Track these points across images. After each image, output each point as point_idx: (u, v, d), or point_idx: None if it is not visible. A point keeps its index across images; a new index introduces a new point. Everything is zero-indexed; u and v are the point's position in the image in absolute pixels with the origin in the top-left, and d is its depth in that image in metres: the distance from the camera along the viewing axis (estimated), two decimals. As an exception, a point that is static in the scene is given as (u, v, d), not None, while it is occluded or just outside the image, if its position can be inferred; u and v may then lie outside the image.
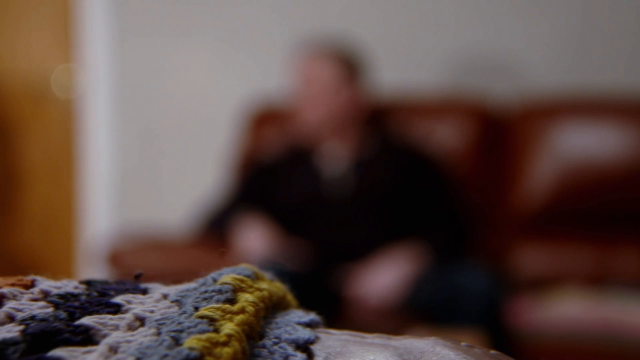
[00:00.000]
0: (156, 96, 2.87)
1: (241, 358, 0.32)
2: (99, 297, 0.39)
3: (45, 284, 0.39)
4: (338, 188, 2.18)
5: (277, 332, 0.37)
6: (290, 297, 0.43)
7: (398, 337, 0.37)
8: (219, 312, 0.35)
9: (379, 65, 2.43)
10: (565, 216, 2.26)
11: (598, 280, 2.15)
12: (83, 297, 0.39)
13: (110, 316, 0.36)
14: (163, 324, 0.35)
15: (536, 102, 2.36)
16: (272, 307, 0.40)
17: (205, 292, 0.37)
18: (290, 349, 0.35)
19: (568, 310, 1.97)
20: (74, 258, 3.06)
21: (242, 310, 0.35)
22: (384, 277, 2.02)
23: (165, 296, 0.38)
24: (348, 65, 2.24)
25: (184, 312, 0.35)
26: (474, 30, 2.60)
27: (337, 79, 2.22)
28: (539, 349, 1.87)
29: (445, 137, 2.35)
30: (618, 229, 2.23)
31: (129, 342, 0.33)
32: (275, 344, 0.36)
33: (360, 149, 2.22)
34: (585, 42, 2.52)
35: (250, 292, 0.38)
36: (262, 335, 0.37)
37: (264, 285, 0.40)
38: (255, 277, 0.40)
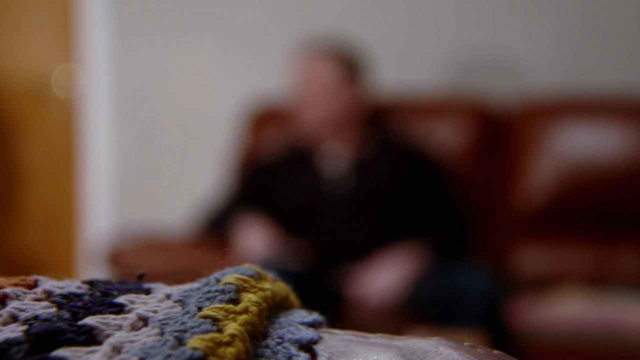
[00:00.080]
0: (156, 96, 2.87)
1: (245, 358, 0.32)
2: (102, 297, 0.39)
3: (48, 284, 0.39)
4: (338, 188, 2.18)
5: (280, 332, 0.37)
6: (293, 297, 0.43)
7: (401, 337, 0.37)
8: (222, 312, 0.35)
9: (379, 65, 2.43)
10: (566, 216, 2.26)
11: (598, 280, 2.15)
12: (86, 297, 0.39)
13: (113, 316, 0.36)
14: (166, 324, 0.35)
15: (536, 102, 2.37)
16: (275, 307, 0.40)
17: (209, 292, 0.37)
18: (293, 349, 0.35)
19: (568, 310, 1.97)
20: (74, 258, 3.06)
21: (245, 311, 0.35)
22: (384, 277, 2.02)
23: (168, 296, 0.38)
24: (348, 65, 2.24)
25: (187, 312, 0.35)
26: (474, 30, 2.60)
27: (338, 79, 2.22)
28: (539, 349, 1.87)
29: (445, 137, 2.35)
30: (618, 228, 2.23)
31: (132, 342, 0.33)
32: (279, 344, 0.36)
33: (361, 149, 2.22)
34: (585, 42, 2.52)
35: (254, 292, 0.38)
36: (265, 335, 0.37)
37: (267, 285, 0.40)
38: (259, 277, 0.40)
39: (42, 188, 3.10)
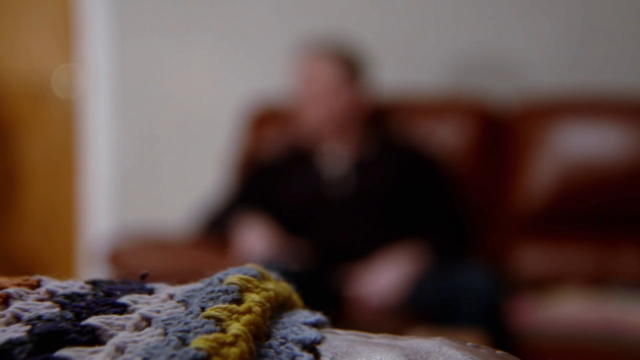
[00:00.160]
0: (156, 96, 2.87)
1: (248, 358, 0.32)
2: (105, 297, 0.39)
3: (51, 284, 0.39)
4: (338, 188, 2.18)
5: (283, 332, 0.37)
6: (296, 297, 0.43)
7: (404, 337, 0.37)
8: (225, 312, 0.35)
9: (379, 66, 2.43)
10: (566, 216, 2.26)
11: (598, 280, 2.15)
12: (89, 297, 0.39)
13: (116, 316, 0.36)
14: (170, 324, 0.35)
15: (536, 102, 2.37)
16: (278, 307, 0.40)
17: (212, 292, 0.37)
18: (297, 349, 0.35)
19: (568, 310, 1.97)
20: (74, 258, 3.05)
21: (248, 311, 0.35)
22: (384, 277, 2.02)
23: (171, 296, 0.38)
24: (349, 65, 2.24)
25: (191, 312, 0.35)
26: (474, 30, 2.60)
27: (338, 79, 2.22)
28: (539, 349, 1.87)
29: (445, 137, 2.35)
30: (618, 228, 2.23)
31: (135, 342, 0.33)
32: (282, 344, 0.36)
33: (361, 149, 2.22)
34: (585, 42, 2.52)
35: (257, 292, 0.38)
36: (268, 336, 0.37)
37: (270, 285, 0.40)
38: (262, 277, 0.40)
39: (42, 188, 3.10)
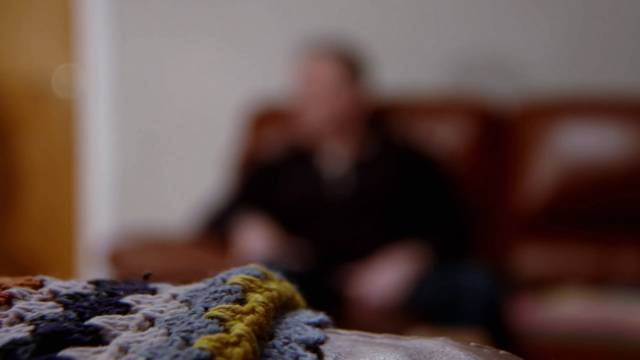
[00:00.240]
0: (157, 96, 2.87)
1: (252, 358, 0.32)
2: (108, 297, 0.39)
3: (54, 284, 0.39)
4: (339, 188, 2.18)
5: (286, 332, 0.37)
6: (298, 297, 0.43)
7: (407, 337, 0.37)
8: (229, 312, 0.35)
9: (379, 66, 2.43)
10: (566, 216, 2.26)
11: (599, 280, 2.15)
12: (92, 297, 0.39)
13: (119, 316, 0.36)
14: (173, 324, 0.35)
15: (537, 102, 2.37)
16: (281, 307, 0.40)
17: (215, 292, 0.37)
18: (300, 349, 0.35)
19: (569, 310, 1.97)
20: (75, 258, 3.05)
21: (252, 311, 0.35)
22: (385, 277, 2.02)
23: (174, 296, 0.38)
24: (350, 65, 2.24)
25: (194, 312, 0.35)
26: (474, 30, 2.60)
27: (339, 79, 2.22)
28: (540, 348, 1.87)
29: (445, 137, 2.35)
30: (619, 229, 2.23)
31: (139, 342, 0.33)
32: (285, 344, 0.36)
33: (361, 149, 2.22)
34: (585, 42, 2.52)
35: (260, 292, 0.38)
36: (271, 336, 0.37)
37: (273, 285, 0.40)
38: (265, 278, 0.40)
39: (42, 188, 3.10)
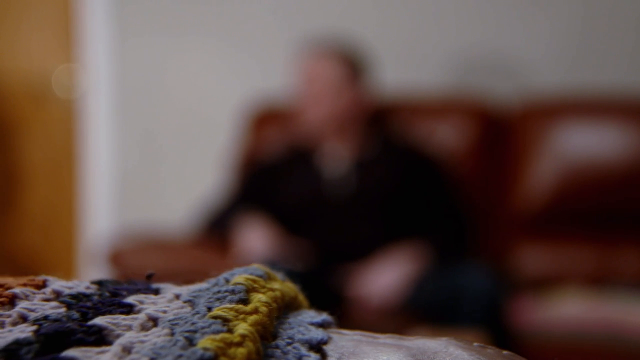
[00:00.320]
0: (157, 96, 2.87)
1: (255, 358, 0.32)
2: (111, 298, 0.39)
3: (57, 284, 0.39)
4: (339, 188, 2.18)
5: (290, 332, 0.37)
6: (301, 297, 0.43)
7: (411, 338, 0.37)
8: (232, 313, 0.35)
9: (380, 65, 2.43)
10: (567, 216, 2.26)
11: (599, 280, 2.15)
12: (95, 298, 0.39)
13: (123, 316, 0.36)
14: (176, 324, 0.35)
15: (537, 102, 2.37)
16: (284, 307, 0.40)
17: (218, 292, 0.37)
18: (303, 350, 0.35)
19: (569, 310, 1.97)
20: (75, 258, 3.05)
21: (255, 311, 0.35)
22: (385, 276, 2.02)
23: (177, 296, 0.38)
24: (351, 65, 2.24)
25: (197, 313, 0.35)
26: (475, 30, 2.60)
27: (340, 79, 2.22)
28: (540, 348, 1.87)
29: (446, 137, 2.35)
30: (619, 229, 2.23)
31: (142, 342, 0.33)
32: (289, 344, 0.36)
33: (362, 149, 2.22)
34: (586, 42, 2.52)
35: (263, 293, 0.38)
36: (275, 336, 0.37)
37: (276, 285, 0.40)
38: (268, 278, 0.40)
39: (42, 188, 3.10)
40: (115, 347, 0.33)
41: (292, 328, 0.37)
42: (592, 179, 2.23)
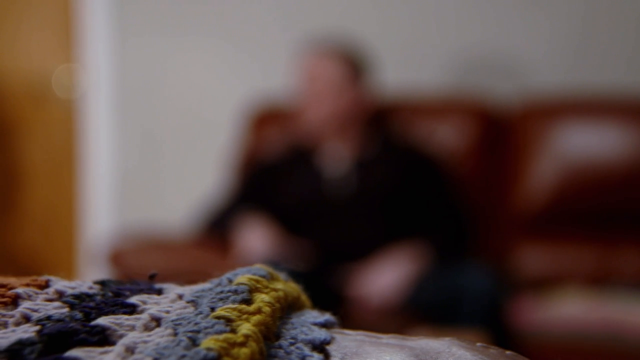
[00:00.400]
0: (157, 96, 2.87)
1: (258, 358, 0.32)
2: (114, 298, 0.39)
3: (59, 284, 0.39)
4: (339, 188, 2.18)
5: (293, 332, 0.37)
6: (304, 297, 0.43)
7: (413, 338, 0.37)
8: (235, 313, 0.35)
9: (381, 65, 2.43)
10: (567, 216, 2.26)
11: (599, 280, 2.15)
12: (98, 298, 0.39)
13: (126, 316, 0.36)
14: (179, 324, 0.35)
15: (538, 102, 2.37)
16: (287, 308, 0.40)
17: (221, 292, 0.37)
18: (306, 350, 0.35)
19: (570, 310, 1.97)
20: (75, 258, 3.05)
21: (258, 311, 0.35)
22: (385, 276, 2.02)
23: (180, 296, 0.38)
24: (353, 65, 2.24)
25: (200, 313, 0.35)
26: (475, 30, 2.60)
27: (341, 78, 2.22)
28: (540, 348, 1.87)
29: (446, 137, 2.35)
30: (619, 229, 2.23)
31: (145, 342, 0.33)
32: (292, 344, 0.36)
33: (362, 149, 2.22)
34: (586, 42, 2.53)
35: (266, 293, 0.38)
36: (278, 336, 0.37)
37: (279, 285, 0.40)
38: (271, 278, 0.40)
39: (42, 188, 3.10)
40: (119, 347, 0.33)
41: (295, 328, 0.37)
42: (592, 179, 2.23)
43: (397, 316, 1.98)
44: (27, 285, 0.39)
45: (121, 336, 0.35)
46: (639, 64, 2.50)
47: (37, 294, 0.38)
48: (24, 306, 0.37)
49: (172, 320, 0.35)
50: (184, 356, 0.31)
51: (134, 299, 0.39)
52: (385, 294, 2.01)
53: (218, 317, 0.34)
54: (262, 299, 0.37)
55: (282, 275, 0.42)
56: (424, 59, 2.62)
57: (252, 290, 0.38)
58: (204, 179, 2.76)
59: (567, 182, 2.24)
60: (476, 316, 1.88)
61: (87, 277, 2.21)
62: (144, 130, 2.89)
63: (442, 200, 2.19)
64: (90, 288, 0.40)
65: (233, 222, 2.19)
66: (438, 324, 1.88)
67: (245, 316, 0.35)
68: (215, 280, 0.39)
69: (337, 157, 2.22)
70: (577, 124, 2.29)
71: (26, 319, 0.36)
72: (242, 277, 0.39)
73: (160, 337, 0.34)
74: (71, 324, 0.35)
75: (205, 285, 0.40)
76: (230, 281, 0.39)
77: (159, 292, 0.40)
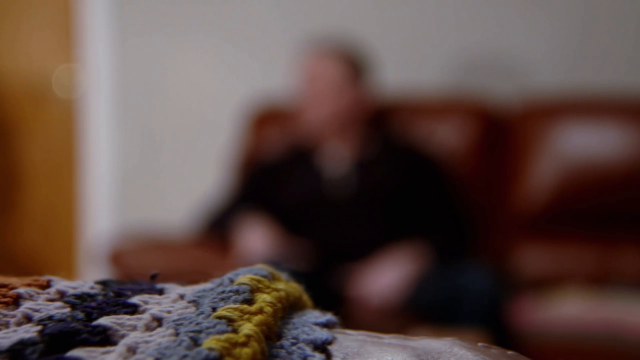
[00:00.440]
0: (157, 96, 2.87)
1: (260, 359, 0.32)
2: (116, 298, 0.39)
3: (61, 284, 0.39)
4: (340, 188, 2.18)
5: (294, 332, 0.37)
6: (306, 297, 0.43)
7: (415, 338, 0.37)
8: (237, 313, 0.35)
9: (381, 65, 2.43)
10: (567, 216, 2.26)
11: (600, 280, 2.15)
12: (100, 298, 0.39)
13: (127, 316, 0.36)
14: (181, 324, 0.35)
15: (538, 101, 2.37)
16: (289, 308, 0.40)
17: (223, 292, 0.37)
18: (308, 350, 0.35)
19: (570, 310, 1.97)
20: (75, 258, 3.05)
21: (260, 311, 0.35)
22: (385, 276, 2.02)
23: (182, 296, 0.38)
24: (353, 65, 2.24)
25: (202, 313, 0.35)
26: (475, 30, 2.60)
27: (342, 78, 2.22)
28: (540, 348, 1.87)
29: (446, 136, 2.35)
30: (620, 229, 2.23)
31: (147, 342, 0.33)
32: (294, 344, 0.36)
33: (362, 149, 2.22)
34: (586, 42, 2.53)
35: (268, 293, 0.38)
36: (279, 336, 0.37)
37: (280, 285, 0.40)
38: (272, 278, 0.40)
39: (42, 188, 3.10)
40: (120, 347, 0.33)
41: (296, 328, 0.37)
42: (592, 179, 2.23)
43: (397, 316, 1.98)
44: (29, 285, 0.39)
45: (123, 336, 0.35)
46: (639, 64, 2.50)
47: (38, 294, 0.38)
48: (26, 306, 0.37)
49: (174, 320, 0.35)
50: (185, 356, 0.31)
51: (135, 299, 0.39)
52: (386, 294, 2.01)
53: (220, 317, 0.34)
54: (263, 299, 0.37)
55: (283, 275, 0.42)
56: (424, 59, 2.62)
57: (254, 290, 0.38)
58: (204, 179, 2.76)
59: (567, 182, 2.24)
60: (476, 316, 1.88)
61: (87, 277, 2.21)
62: (144, 130, 2.89)
63: (442, 200, 2.19)
64: (92, 288, 0.40)
65: (233, 222, 2.19)
66: (438, 324, 1.88)
67: (246, 316, 0.35)
68: (217, 280, 0.39)
69: (337, 157, 2.22)
70: (577, 124, 2.29)
71: (28, 319, 0.36)
72: (244, 277, 0.39)
73: (161, 337, 0.34)
74: (73, 324, 0.35)
75: (207, 285, 0.40)
76: (231, 281, 0.39)
77: (161, 292, 0.40)
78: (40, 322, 0.35)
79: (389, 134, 2.30)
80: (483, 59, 2.59)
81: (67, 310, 0.37)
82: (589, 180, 2.23)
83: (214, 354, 0.31)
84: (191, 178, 2.84)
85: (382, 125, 2.36)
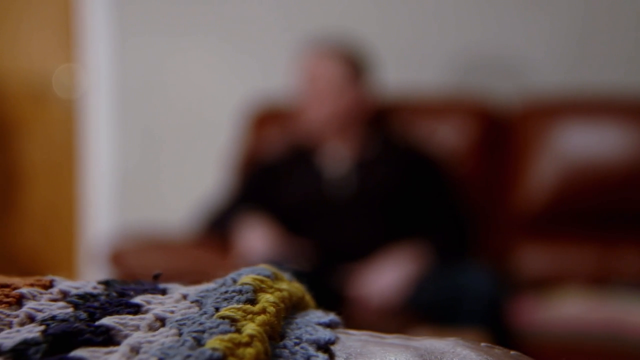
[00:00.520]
0: (158, 96, 2.87)
1: (264, 358, 0.32)
2: (119, 298, 0.39)
3: (64, 284, 0.39)
4: (340, 188, 2.18)
5: (297, 332, 0.37)
6: (308, 297, 0.43)
7: (418, 338, 0.37)
8: (240, 313, 0.35)
9: (381, 65, 2.43)
10: (567, 216, 2.26)
11: (600, 280, 2.15)
12: (102, 298, 0.39)
13: (130, 316, 0.36)
14: (184, 324, 0.35)
15: (538, 101, 2.37)
16: (291, 308, 0.40)
17: (226, 292, 0.37)
18: (311, 350, 0.35)
19: (570, 310, 1.97)
20: (75, 258, 3.05)
21: (263, 311, 0.35)
22: (386, 277, 2.02)
23: (185, 296, 0.38)
24: (354, 65, 2.24)
25: (205, 313, 0.35)
26: (476, 30, 2.60)
27: (342, 78, 2.22)
28: (541, 348, 1.87)
29: (447, 136, 2.35)
30: (620, 228, 2.23)
31: (150, 342, 0.33)
32: (297, 344, 0.36)
33: (362, 149, 2.22)
34: (586, 42, 2.53)
35: (271, 293, 0.38)
36: (282, 336, 0.37)
37: (283, 285, 0.40)
38: (275, 278, 0.40)
39: (43, 188, 3.10)
40: (123, 347, 0.33)
41: (299, 328, 0.37)
42: (593, 179, 2.23)
43: (398, 316, 1.98)
44: (31, 285, 0.39)
45: (126, 336, 0.35)
46: (639, 64, 2.50)
47: (41, 294, 0.38)
48: (29, 306, 0.37)
49: (177, 320, 0.35)
50: (189, 356, 0.31)
51: (138, 299, 0.39)
52: (386, 294, 2.01)
53: (223, 317, 0.34)
54: (266, 299, 0.37)
55: (286, 275, 0.42)
56: (424, 59, 2.62)
57: (257, 290, 0.38)
58: (204, 179, 2.76)
59: (567, 182, 2.24)
60: (476, 316, 1.88)
61: (87, 277, 2.21)
62: (144, 130, 2.89)
63: (443, 200, 2.19)
64: (95, 288, 0.40)
65: (233, 222, 2.19)
66: (438, 324, 1.88)
67: (250, 316, 0.35)
68: (220, 280, 0.39)
69: (338, 157, 2.22)
70: (577, 124, 2.29)
71: (31, 319, 0.36)
72: (247, 277, 0.39)
73: (165, 337, 0.34)
74: (76, 324, 0.35)
75: (210, 285, 0.40)
76: (234, 281, 0.39)
77: (163, 292, 0.40)
78: (43, 322, 0.35)
79: (389, 134, 2.30)
80: (483, 59, 2.60)
81: (70, 310, 0.37)
82: (589, 180, 2.23)
83: (217, 354, 0.31)
84: (191, 178, 2.84)
85: (383, 125, 2.36)
